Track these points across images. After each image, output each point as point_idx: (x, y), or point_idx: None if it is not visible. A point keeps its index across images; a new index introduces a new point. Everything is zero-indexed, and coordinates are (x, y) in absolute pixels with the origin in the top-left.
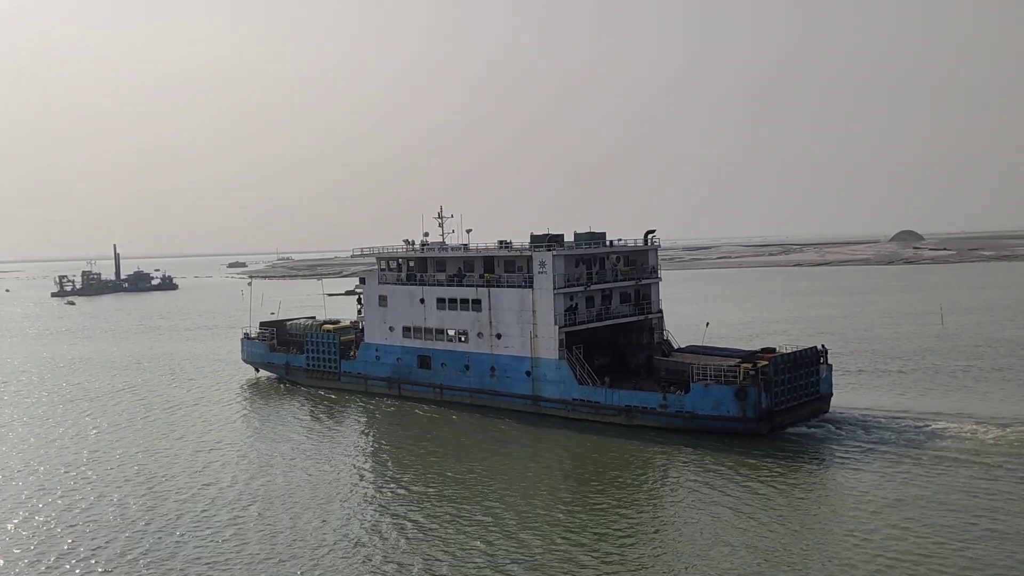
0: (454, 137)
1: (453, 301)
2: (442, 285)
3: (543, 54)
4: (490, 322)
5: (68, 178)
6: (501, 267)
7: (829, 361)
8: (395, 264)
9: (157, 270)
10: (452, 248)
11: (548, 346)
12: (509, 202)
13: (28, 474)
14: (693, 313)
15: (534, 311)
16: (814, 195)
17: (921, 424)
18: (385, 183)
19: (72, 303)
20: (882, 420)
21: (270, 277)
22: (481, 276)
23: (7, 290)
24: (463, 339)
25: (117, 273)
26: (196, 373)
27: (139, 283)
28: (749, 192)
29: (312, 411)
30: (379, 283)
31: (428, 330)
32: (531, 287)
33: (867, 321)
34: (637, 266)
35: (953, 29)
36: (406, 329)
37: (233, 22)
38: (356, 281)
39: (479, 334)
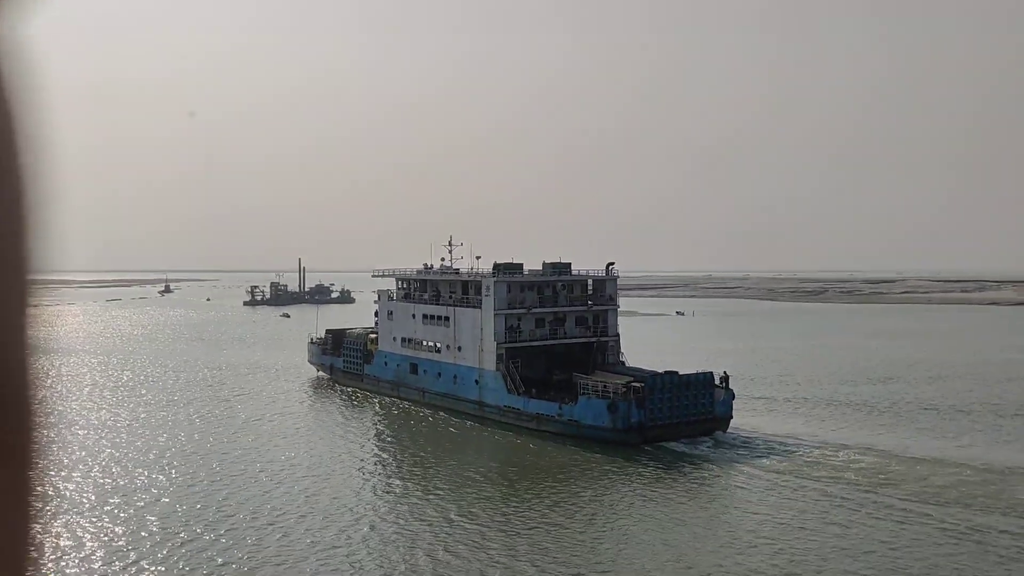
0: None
1: (433, 317)
2: (427, 303)
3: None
4: (454, 336)
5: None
6: (473, 290)
7: (731, 387)
8: (405, 284)
9: (332, 284)
10: (433, 272)
11: (490, 359)
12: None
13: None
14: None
15: (481, 328)
16: (1014, 226)
17: (827, 453)
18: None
19: (287, 315)
20: (775, 445)
21: None
22: (451, 297)
23: (208, 299)
24: (438, 350)
25: (301, 285)
26: (281, 373)
27: (319, 296)
28: (939, 223)
29: (337, 405)
30: (388, 300)
31: (417, 341)
32: (480, 308)
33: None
34: (595, 294)
35: None
36: (404, 340)
37: (381, 27)
38: None
39: (447, 346)
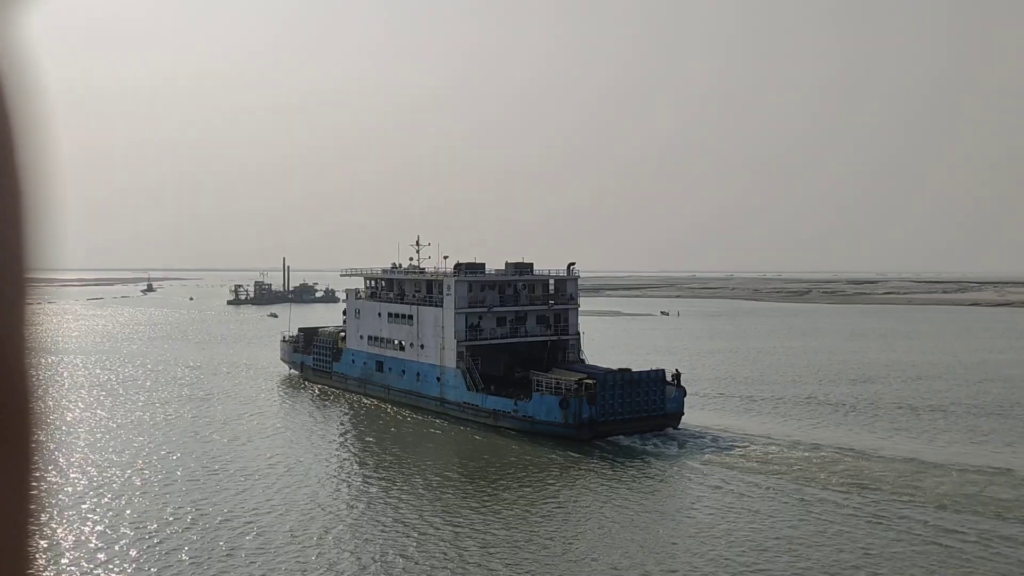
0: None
1: (397, 316)
2: (392, 302)
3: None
4: (417, 334)
5: (245, 183)
6: (437, 289)
7: (682, 384)
8: (373, 283)
9: (316, 283)
10: (398, 271)
11: (450, 357)
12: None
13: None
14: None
15: (443, 327)
16: (989, 226)
17: (784, 450)
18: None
19: (275, 315)
20: (725, 440)
21: None
22: (414, 296)
23: (191, 298)
24: (402, 348)
25: (285, 285)
26: (254, 372)
27: (304, 295)
28: (917, 222)
29: (306, 404)
30: (356, 298)
31: (382, 339)
32: (442, 307)
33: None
34: (556, 293)
35: None
36: (370, 338)
37: (370, 41)
38: None
39: (411, 344)
